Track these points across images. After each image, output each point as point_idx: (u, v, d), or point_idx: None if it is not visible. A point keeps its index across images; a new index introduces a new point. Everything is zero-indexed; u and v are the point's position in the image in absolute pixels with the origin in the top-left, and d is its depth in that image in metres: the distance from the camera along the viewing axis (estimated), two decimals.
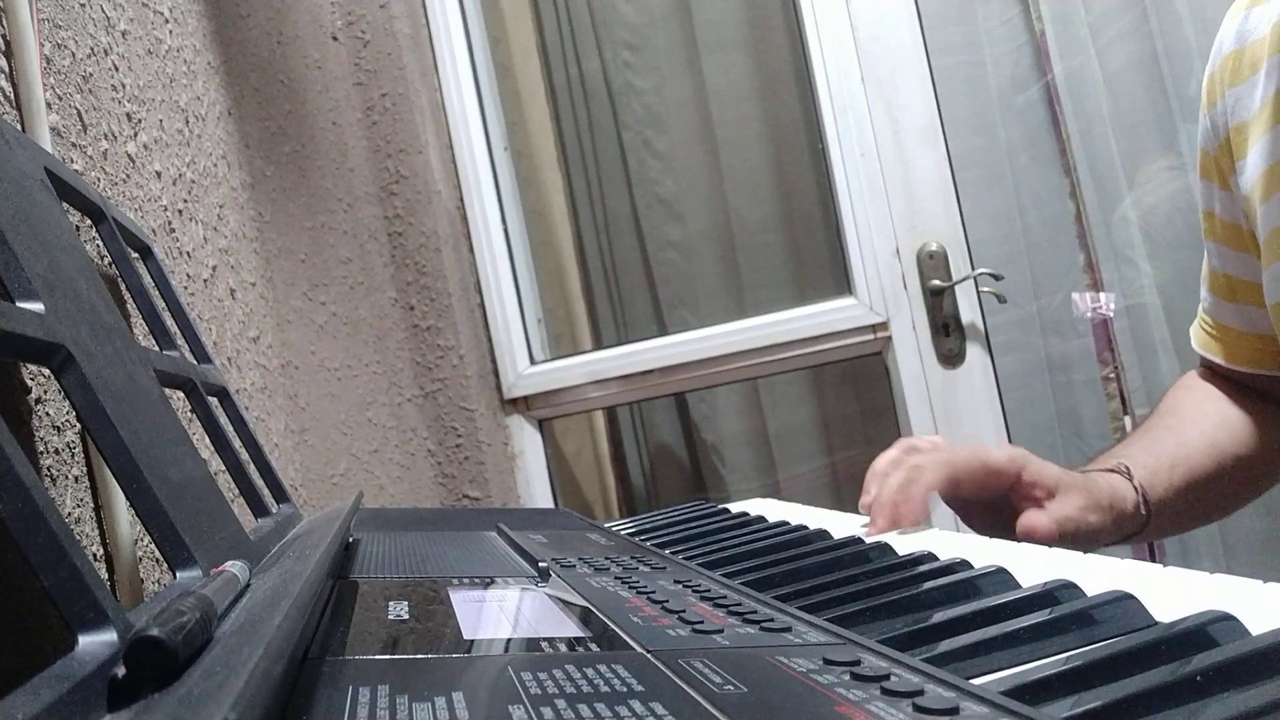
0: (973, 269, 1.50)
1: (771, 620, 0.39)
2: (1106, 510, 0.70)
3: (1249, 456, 0.81)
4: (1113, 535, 0.73)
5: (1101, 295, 1.55)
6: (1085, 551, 0.70)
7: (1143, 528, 0.75)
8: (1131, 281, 1.54)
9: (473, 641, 0.36)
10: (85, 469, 0.54)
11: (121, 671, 0.27)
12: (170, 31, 0.87)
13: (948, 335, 1.50)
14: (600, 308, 1.87)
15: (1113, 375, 1.56)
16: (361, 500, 0.81)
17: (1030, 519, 0.65)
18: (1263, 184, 0.75)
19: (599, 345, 1.83)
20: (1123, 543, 0.76)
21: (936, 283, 1.50)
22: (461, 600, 0.44)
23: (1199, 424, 0.82)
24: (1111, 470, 0.75)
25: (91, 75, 0.66)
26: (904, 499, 0.63)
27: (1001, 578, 0.45)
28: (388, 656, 0.33)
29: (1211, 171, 0.82)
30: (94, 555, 0.53)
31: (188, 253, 0.81)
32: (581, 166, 1.86)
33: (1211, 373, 0.88)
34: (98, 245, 0.60)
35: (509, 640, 0.36)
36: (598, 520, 0.84)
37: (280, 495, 0.70)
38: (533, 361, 1.70)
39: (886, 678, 0.31)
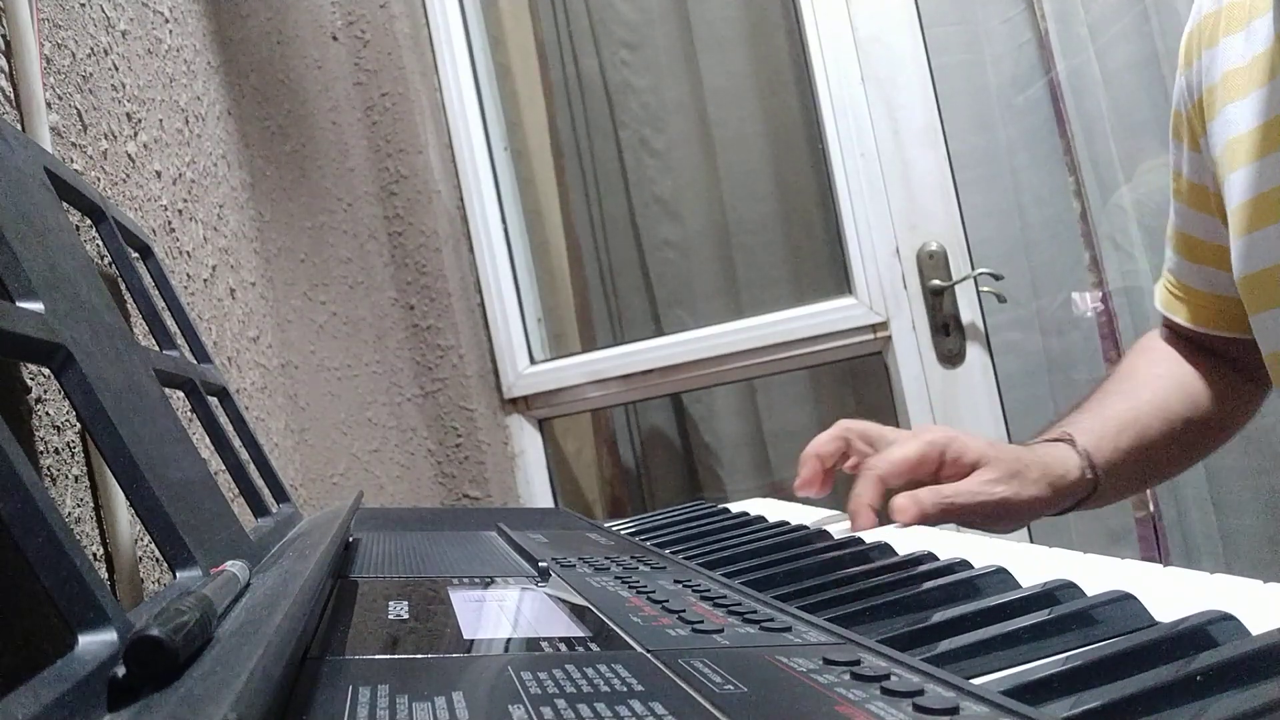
0: (973, 269, 1.50)
1: (771, 620, 0.39)
2: (1031, 481, 0.72)
3: (1200, 418, 0.83)
4: (1054, 504, 0.74)
5: (1103, 294, 1.55)
6: (1024, 523, 0.73)
7: (1092, 493, 0.76)
8: (1132, 286, 1.54)
9: (473, 641, 0.36)
10: (85, 469, 0.54)
11: (121, 671, 0.27)
12: (170, 31, 0.87)
13: (948, 335, 1.50)
14: (596, 307, 1.87)
15: None
16: (361, 500, 0.81)
17: (893, 508, 0.68)
18: (1229, 152, 0.75)
19: (593, 346, 1.83)
20: (1075, 509, 0.78)
21: (936, 282, 1.50)
22: (461, 600, 0.44)
23: (1151, 386, 0.84)
24: (1056, 440, 0.77)
25: (91, 75, 0.66)
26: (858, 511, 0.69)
27: (1001, 578, 0.45)
28: (388, 656, 0.33)
29: (1182, 132, 0.83)
30: (94, 555, 0.53)
31: (188, 252, 0.80)
32: (578, 165, 1.86)
33: (1172, 334, 0.89)
34: (98, 245, 0.60)
35: (509, 640, 0.36)
36: (598, 520, 0.84)
37: (280, 495, 0.70)
38: (532, 361, 1.70)
39: (886, 677, 0.31)
